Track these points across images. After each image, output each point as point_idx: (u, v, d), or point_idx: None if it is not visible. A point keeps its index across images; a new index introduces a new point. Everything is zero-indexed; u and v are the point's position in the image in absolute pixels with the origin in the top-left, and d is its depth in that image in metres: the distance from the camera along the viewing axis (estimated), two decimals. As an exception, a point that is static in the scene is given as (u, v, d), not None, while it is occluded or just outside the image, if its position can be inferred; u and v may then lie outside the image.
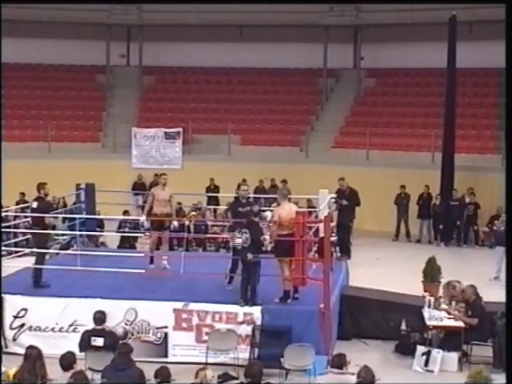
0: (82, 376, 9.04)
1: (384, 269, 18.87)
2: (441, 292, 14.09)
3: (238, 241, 12.97)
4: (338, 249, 19.21)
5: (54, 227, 14.61)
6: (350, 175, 21.30)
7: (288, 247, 12.66)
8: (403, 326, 13.43)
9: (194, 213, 22.05)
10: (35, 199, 14.11)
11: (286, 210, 12.90)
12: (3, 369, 9.43)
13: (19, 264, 15.31)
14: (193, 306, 12.71)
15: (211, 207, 23.76)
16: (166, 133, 27.91)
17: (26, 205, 21.86)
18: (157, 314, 12.75)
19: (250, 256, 12.41)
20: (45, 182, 14.37)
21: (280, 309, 12.61)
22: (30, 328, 12.89)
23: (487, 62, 27.44)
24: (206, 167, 26.38)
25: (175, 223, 15.05)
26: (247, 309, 12.52)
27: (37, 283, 13.62)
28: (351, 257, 19.20)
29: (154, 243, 15.25)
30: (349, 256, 19.12)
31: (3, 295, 12.76)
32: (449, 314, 12.92)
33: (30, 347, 9.53)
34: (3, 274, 13.17)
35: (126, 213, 20.96)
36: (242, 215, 13.30)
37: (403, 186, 24.23)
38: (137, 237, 20.06)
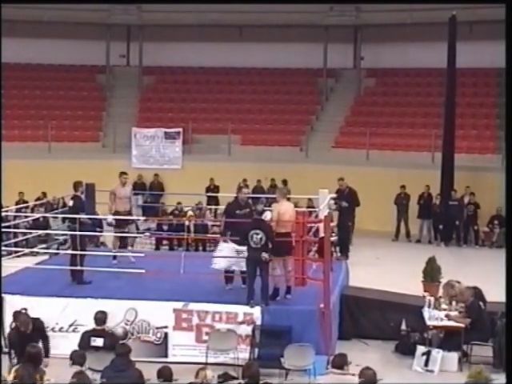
0: (83, 376, 9.05)
1: (384, 269, 18.88)
2: (441, 292, 14.08)
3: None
4: (338, 249, 19.21)
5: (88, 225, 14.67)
6: (350, 175, 21.31)
7: (285, 246, 12.70)
8: (403, 326, 13.43)
9: (191, 212, 22.06)
10: (72, 197, 14.13)
11: (285, 207, 13.01)
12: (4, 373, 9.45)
13: (19, 264, 15.34)
14: (193, 305, 12.71)
15: (212, 207, 23.79)
16: (166, 133, 27.91)
17: (25, 205, 21.98)
18: (157, 313, 12.75)
19: (265, 255, 12.42)
20: (81, 180, 14.46)
21: (280, 309, 12.62)
22: (30, 328, 12.88)
23: (487, 62, 27.44)
24: (206, 167, 26.40)
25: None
26: (247, 309, 12.52)
27: (80, 280, 13.76)
28: (349, 257, 19.14)
29: (118, 239, 15.63)
30: (347, 256, 19.08)
31: (3, 295, 12.75)
32: (448, 317, 12.90)
33: (31, 346, 9.54)
34: (3, 274, 13.16)
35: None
36: (239, 218, 13.34)
37: (403, 186, 24.24)
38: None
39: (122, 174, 15.78)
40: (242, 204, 13.69)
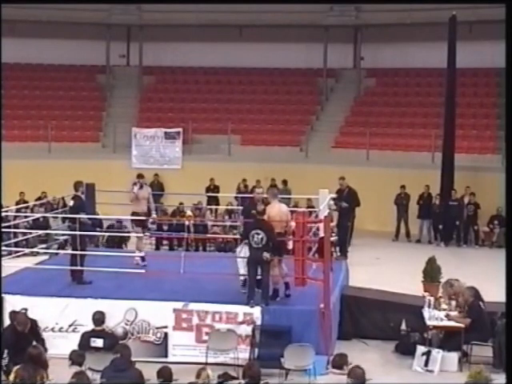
0: (83, 376, 9.04)
1: (384, 269, 18.88)
2: (440, 292, 14.08)
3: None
4: (337, 249, 19.20)
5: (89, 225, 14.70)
6: (350, 175, 21.29)
7: (278, 246, 12.70)
8: (403, 326, 13.42)
9: (189, 212, 22.08)
10: (72, 198, 14.13)
11: (276, 210, 13.02)
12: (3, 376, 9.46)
13: (19, 264, 15.34)
14: (193, 305, 12.71)
15: (212, 207, 23.81)
16: (166, 133, 27.92)
17: (25, 205, 21.98)
18: (157, 313, 12.75)
19: (266, 255, 12.41)
20: (81, 180, 14.45)
21: (280, 309, 12.62)
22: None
23: (487, 62, 27.46)
24: (205, 167, 26.39)
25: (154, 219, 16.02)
26: (247, 309, 12.52)
27: (80, 281, 13.76)
28: (348, 257, 19.11)
29: (142, 241, 15.81)
30: (346, 256, 19.05)
31: (3, 295, 12.75)
32: (448, 317, 12.89)
33: (32, 347, 9.56)
34: (3, 274, 13.16)
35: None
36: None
37: (403, 186, 24.24)
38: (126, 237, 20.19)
39: (139, 176, 15.90)
40: (257, 204, 13.62)
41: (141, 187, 15.53)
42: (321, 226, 13.29)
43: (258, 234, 12.47)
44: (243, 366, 9.80)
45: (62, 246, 17.86)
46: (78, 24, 29.73)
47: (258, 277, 12.69)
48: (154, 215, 15.93)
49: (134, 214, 15.38)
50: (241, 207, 20.49)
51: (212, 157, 27.25)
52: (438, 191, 23.71)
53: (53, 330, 12.80)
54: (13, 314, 11.64)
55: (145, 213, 15.42)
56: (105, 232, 20.22)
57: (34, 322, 11.39)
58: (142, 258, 15.28)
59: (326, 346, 12.21)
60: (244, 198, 21.95)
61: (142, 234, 15.89)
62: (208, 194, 25.04)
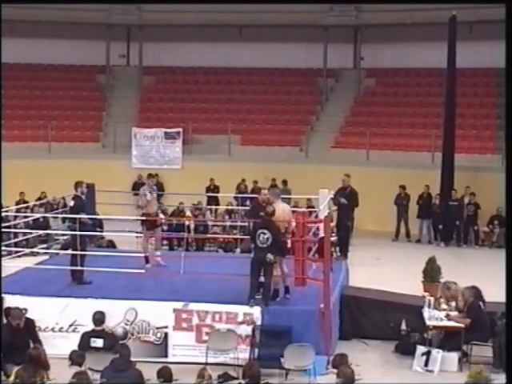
0: (84, 376, 9.05)
1: (384, 269, 18.88)
2: (439, 293, 14.08)
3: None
4: (337, 249, 19.19)
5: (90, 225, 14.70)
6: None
7: (281, 246, 12.71)
8: (403, 326, 13.42)
9: (189, 213, 22.07)
10: (73, 198, 14.11)
11: (280, 210, 12.99)
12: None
13: (19, 264, 15.34)
14: (193, 306, 12.70)
15: (212, 207, 23.82)
16: (166, 133, 27.92)
17: (25, 205, 21.99)
18: (157, 313, 12.74)
19: (270, 256, 12.40)
20: (82, 180, 14.42)
21: (280, 309, 12.61)
22: (30, 328, 12.87)
23: (487, 62, 27.47)
24: (206, 167, 26.40)
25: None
26: (247, 309, 12.52)
27: (80, 281, 13.75)
28: (348, 257, 19.11)
29: (148, 242, 15.61)
30: (346, 256, 19.05)
31: (3, 295, 12.75)
32: (448, 317, 12.89)
33: (32, 347, 9.56)
34: (3, 274, 13.16)
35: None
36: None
37: (403, 186, 24.23)
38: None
39: (150, 176, 15.90)
40: (263, 205, 13.58)
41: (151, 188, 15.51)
42: (321, 225, 13.30)
43: (264, 233, 12.46)
44: (243, 366, 9.81)
45: (64, 247, 17.84)
46: (78, 24, 29.74)
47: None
48: (161, 215, 15.92)
49: (145, 215, 15.15)
50: (241, 207, 20.58)
51: (212, 157, 27.25)
52: (438, 191, 23.70)
53: (53, 330, 12.80)
54: (7, 309, 11.64)
55: (155, 214, 15.38)
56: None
57: (31, 322, 11.38)
58: (146, 260, 15.21)
59: (326, 346, 12.21)
60: (244, 198, 21.99)
61: (141, 234, 15.90)
62: (208, 194, 25.05)
